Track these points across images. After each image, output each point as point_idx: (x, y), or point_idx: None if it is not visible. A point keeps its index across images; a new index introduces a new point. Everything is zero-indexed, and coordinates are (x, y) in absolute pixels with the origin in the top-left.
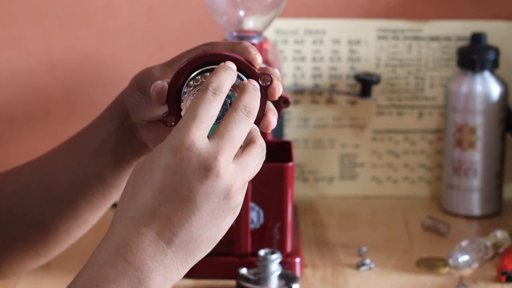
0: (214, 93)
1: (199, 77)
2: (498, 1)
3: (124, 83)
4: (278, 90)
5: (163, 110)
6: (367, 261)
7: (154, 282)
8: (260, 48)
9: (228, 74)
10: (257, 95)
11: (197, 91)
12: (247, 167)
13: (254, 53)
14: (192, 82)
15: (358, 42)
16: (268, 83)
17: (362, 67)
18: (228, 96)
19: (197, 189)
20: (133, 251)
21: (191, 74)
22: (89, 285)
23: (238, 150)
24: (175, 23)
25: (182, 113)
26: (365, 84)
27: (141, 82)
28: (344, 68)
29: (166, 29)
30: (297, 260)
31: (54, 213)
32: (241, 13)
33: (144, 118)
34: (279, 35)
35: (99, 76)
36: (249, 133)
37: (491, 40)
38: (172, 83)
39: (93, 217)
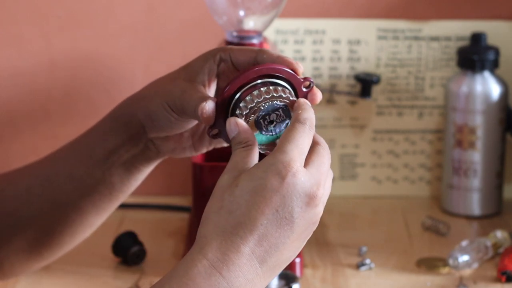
0: (310, 128)
1: (256, 92)
2: (498, 1)
3: (124, 83)
4: (319, 94)
5: (193, 124)
6: (367, 261)
7: None
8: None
9: (310, 109)
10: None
11: (253, 109)
12: (328, 187)
13: (295, 62)
14: (248, 98)
15: (358, 42)
16: (309, 88)
17: (362, 67)
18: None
19: (298, 214)
20: (229, 267)
21: (238, 92)
22: None
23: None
24: (175, 23)
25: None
26: (365, 84)
27: (178, 104)
28: (344, 68)
29: (166, 29)
30: (297, 260)
31: (58, 217)
32: (241, 13)
33: (171, 134)
34: (279, 35)
35: (99, 76)
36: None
37: (491, 40)
38: (220, 101)
39: (98, 221)
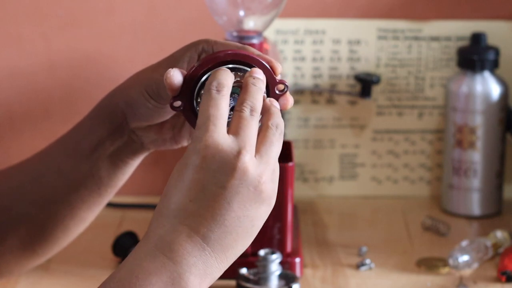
0: (217, 90)
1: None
2: (498, 1)
3: None
4: (291, 101)
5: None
6: (367, 261)
7: (194, 277)
8: (260, 48)
9: (228, 73)
10: (259, 90)
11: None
12: (269, 153)
13: (274, 61)
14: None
15: (358, 42)
16: (283, 92)
17: (362, 67)
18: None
19: (225, 184)
20: (171, 247)
21: (209, 71)
22: (129, 277)
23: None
24: (175, 23)
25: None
26: (365, 84)
27: (154, 89)
28: (344, 68)
29: (166, 29)
30: (297, 260)
31: (50, 213)
32: (241, 13)
33: (150, 123)
34: (279, 35)
35: (99, 76)
36: (261, 118)
37: (491, 40)
38: (188, 76)
39: (90, 215)
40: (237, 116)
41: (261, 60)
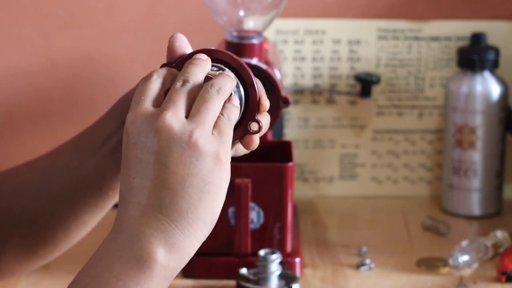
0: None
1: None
2: (498, 1)
3: (124, 83)
4: (256, 142)
5: None
6: (367, 261)
7: (155, 247)
8: (260, 48)
9: (199, 66)
10: (197, 66)
11: None
12: (201, 110)
13: (265, 99)
14: None
15: (358, 42)
16: (254, 132)
17: (362, 67)
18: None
19: (154, 148)
20: (126, 223)
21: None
22: (93, 261)
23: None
24: (175, 23)
25: None
26: (365, 84)
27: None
28: (344, 68)
29: (166, 29)
30: (297, 260)
31: (53, 213)
32: (241, 13)
33: None
34: (279, 35)
35: (99, 76)
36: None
37: (491, 40)
38: (187, 56)
39: (91, 219)
40: (169, 91)
41: (255, 84)
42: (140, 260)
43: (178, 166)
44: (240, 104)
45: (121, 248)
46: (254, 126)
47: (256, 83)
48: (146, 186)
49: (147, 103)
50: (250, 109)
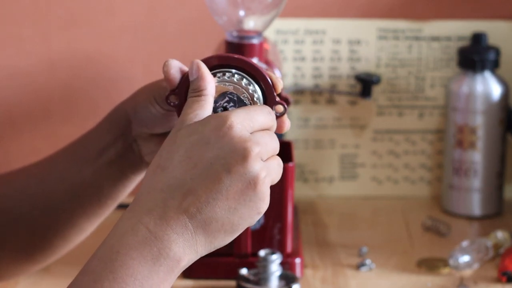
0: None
1: (225, 75)
2: (498, 1)
3: (124, 83)
4: (287, 124)
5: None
6: (368, 261)
7: (173, 254)
8: (260, 48)
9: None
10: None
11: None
12: (272, 167)
13: (276, 76)
14: (217, 78)
15: (358, 42)
16: (281, 114)
17: (362, 67)
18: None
19: (231, 167)
20: (156, 221)
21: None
22: (110, 253)
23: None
24: (175, 23)
25: None
26: (366, 84)
27: (162, 95)
28: (344, 68)
29: (166, 29)
30: (297, 260)
31: (50, 219)
32: (241, 13)
33: (152, 131)
34: (279, 35)
35: (99, 76)
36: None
37: (492, 40)
38: (187, 74)
39: (89, 226)
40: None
41: (264, 74)
42: (156, 261)
43: (234, 197)
44: (258, 98)
45: (141, 245)
46: (279, 109)
47: (262, 71)
48: (197, 194)
49: (242, 121)
50: (268, 96)
